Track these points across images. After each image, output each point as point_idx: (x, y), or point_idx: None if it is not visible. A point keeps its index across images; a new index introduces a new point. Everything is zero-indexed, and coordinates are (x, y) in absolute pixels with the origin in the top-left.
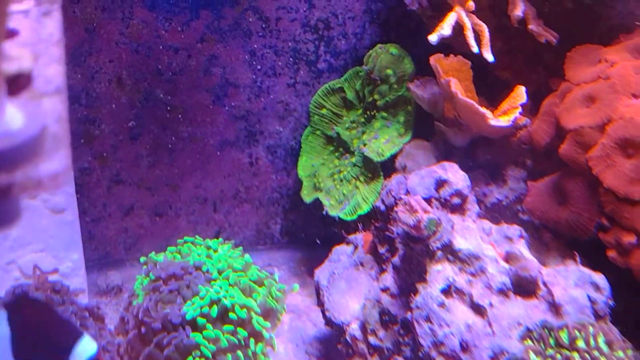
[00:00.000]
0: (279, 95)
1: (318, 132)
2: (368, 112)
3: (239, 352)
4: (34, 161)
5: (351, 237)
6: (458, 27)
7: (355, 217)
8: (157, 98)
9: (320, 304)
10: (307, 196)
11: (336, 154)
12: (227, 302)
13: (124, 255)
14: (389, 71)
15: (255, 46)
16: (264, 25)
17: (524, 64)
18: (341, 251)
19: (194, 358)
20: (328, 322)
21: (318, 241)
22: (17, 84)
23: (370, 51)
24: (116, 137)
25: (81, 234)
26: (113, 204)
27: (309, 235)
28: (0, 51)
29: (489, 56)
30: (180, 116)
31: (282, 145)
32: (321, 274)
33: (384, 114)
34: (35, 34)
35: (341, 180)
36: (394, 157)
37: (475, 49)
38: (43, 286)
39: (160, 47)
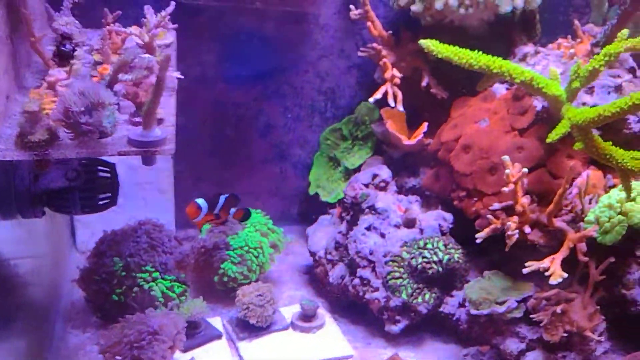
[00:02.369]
0: (301, 132)
1: (324, 155)
2: (353, 142)
3: (253, 262)
4: (163, 145)
5: (331, 210)
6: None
7: (336, 200)
8: (225, 133)
9: (308, 245)
10: (311, 191)
11: (333, 167)
12: (249, 240)
13: None
14: (366, 117)
15: (288, 103)
16: (293, 91)
17: (435, 109)
18: (324, 218)
19: (226, 262)
20: (309, 252)
21: (313, 216)
22: (159, 122)
23: (358, 106)
24: (201, 154)
25: (175, 208)
26: (196, 191)
27: (312, 215)
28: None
29: (400, 108)
30: (239, 144)
31: (301, 162)
32: (310, 229)
33: (361, 142)
34: (165, 104)
35: (332, 181)
36: (360, 166)
37: (392, 104)
38: (150, 222)
39: (230, 103)
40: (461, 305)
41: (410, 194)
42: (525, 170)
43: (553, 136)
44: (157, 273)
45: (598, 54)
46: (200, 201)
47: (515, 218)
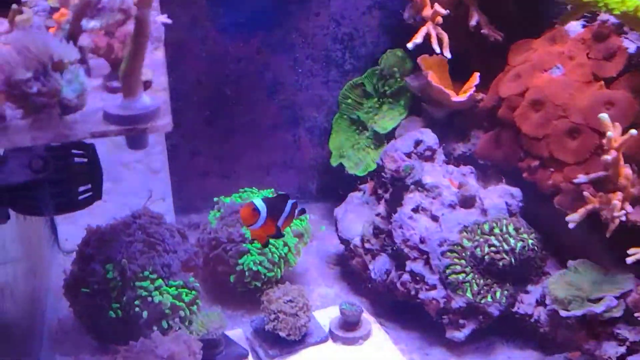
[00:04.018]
0: (315, 90)
1: (345, 117)
2: (380, 100)
3: (275, 254)
4: (156, 119)
5: (362, 185)
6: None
7: (365, 173)
8: (225, 94)
9: (336, 229)
10: (334, 162)
11: (357, 131)
12: None
13: (202, 205)
14: (395, 69)
15: (297, 55)
16: (303, 40)
17: (487, 56)
18: (354, 196)
19: (246, 258)
20: (341, 240)
21: (340, 192)
22: (146, 85)
23: (383, 55)
24: (196, 122)
25: (171, 188)
26: (193, 169)
27: (336, 190)
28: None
29: (447, 54)
30: (242, 107)
31: (318, 126)
32: (338, 210)
33: (390, 100)
34: (151, 60)
35: (358, 149)
36: (394, 129)
37: (437, 50)
38: (146, 213)
39: (228, 58)
40: (539, 303)
41: (460, 163)
42: (634, 132)
43: None
44: (160, 280)
45: None
46: (259, 203)
47: (619, 195)
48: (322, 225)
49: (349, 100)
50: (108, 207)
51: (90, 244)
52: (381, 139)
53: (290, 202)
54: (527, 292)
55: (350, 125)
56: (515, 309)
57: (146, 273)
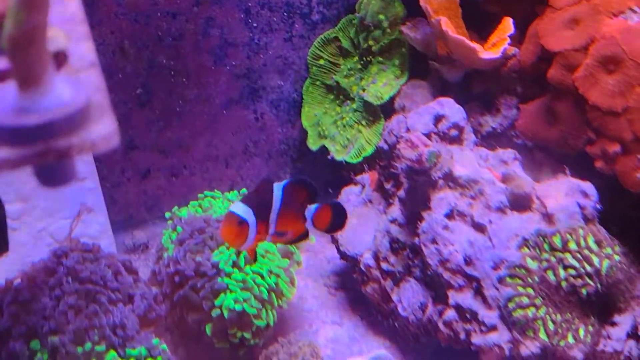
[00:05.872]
0: (277, 51)
1: (318, 83)
2: (364, 58)
3: (263, 289)
4: (85, 126)
5: (358, 177)
6: None
7: (360, 159)
8: (160, 64)
9: (334, 241)
10: (313, 144)
11: (337, 101)
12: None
13: (146, 215)
14: (381, 16)
15: (250, 4)
16: None
17: None
18: (350, 192)
19: (224, 297)
20: (343, 255)
21: (330, 190)
22: (59, 60)
23: None
24: (125, 105)
25: (104, 198)
26: (130, 169)
27: (318, 182)
28: (46, 34)
29: None
30: (184, 79)
31: (285, 98)
32: None
33: (380, 59)
34: (60, 15)
35: (344, 126)
36: (392, 98)
37: None
38: (77, 247)
39: (158, 14)
40: (630, 335)
41: (494, 145)
42: None
43: None
44: (113, 352)
45: None
46: (241, 209)
47: None
48: (312, 237)
49: (322, 61)
50: (18, 238)
51: (2, 311)
52: (376, 112)
53: (278, 186)
54: (613, 325)
55: (326, 93)
56: (600, 347)
57: (88, 346)
